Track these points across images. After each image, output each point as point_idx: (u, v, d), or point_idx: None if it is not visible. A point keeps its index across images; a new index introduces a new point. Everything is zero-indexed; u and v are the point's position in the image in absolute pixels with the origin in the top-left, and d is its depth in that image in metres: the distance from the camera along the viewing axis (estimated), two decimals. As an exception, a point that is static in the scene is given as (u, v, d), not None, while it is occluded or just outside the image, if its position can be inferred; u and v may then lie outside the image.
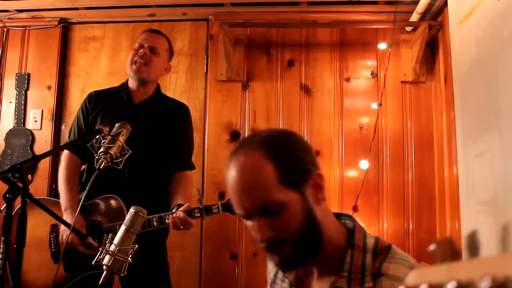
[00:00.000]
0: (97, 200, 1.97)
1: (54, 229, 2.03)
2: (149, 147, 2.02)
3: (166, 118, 2.10)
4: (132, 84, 2.12)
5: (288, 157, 0.92)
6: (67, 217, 1.93)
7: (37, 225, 1.98)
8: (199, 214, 1.87)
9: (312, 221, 0.92)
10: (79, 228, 1.89)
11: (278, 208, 0.89)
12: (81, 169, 2.12)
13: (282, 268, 0.98)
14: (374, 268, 0.91)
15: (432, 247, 0.43)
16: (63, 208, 1.96)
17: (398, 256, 0.92)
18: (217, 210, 1.88)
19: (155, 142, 2.05)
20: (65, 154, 2.07)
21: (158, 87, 2.19)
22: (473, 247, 0.40)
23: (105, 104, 2.10)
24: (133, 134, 2.00)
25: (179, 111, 2.17)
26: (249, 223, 0.94)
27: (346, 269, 0.92)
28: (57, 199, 2.04)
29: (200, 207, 1.87)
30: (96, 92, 2.18)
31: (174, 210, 1.89)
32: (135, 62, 2.05)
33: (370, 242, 0.95)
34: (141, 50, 2.06)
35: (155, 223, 1.89)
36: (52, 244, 2.01)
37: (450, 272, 0.38)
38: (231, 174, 0.92)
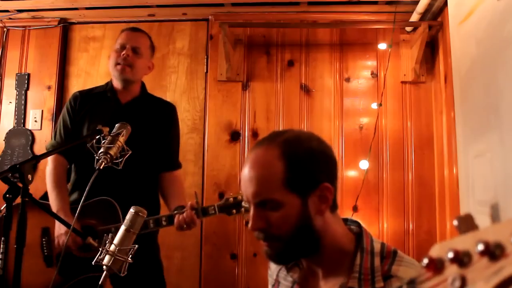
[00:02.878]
0: (90, 203, 1.92)
1: (46, 232, 1.98)
2: (138, 148, 1.99)
3: (154, 118, 2.09)
4: (116, 84, 2.10)
5: (302, 163, 0.95)
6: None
7: (27, 228, 1.95)
8: (196, 215, 1.89)
9: (307, 228, 0.95)
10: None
11: (273, 206, 0.94)
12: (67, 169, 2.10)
13: (269, 259, 1.03)
14: (384, 270, 0.95)
15: (455, 222, 0.45)
16: (54, 210, 1.91)
17: (405, 260, 0.96)
18: (213, 212, 1.91)
19: (144, 142, 2.02)
20: (51, 156, 2.04)
21: (143, 86, 2.17)
22: (496, 218, 0.41)
23: (91, 105, 2.08)
24: None
25: (167, 110, 2.16)
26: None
27: (356, 270, 0.95)
28: (47, 202, 1.98)
29: (197, 208, 1.89)
30: (80, 92, 2.16)
31: (176, 212, 1.89)
32: (118, 64, 2.03)
33: (377, 246, 0.99)
34: (124, 53, 2.03)
35: (151, 225, 1.88)
36: (45, 247, 1.97)
37: (476, 237, 0.39)
38: (246, 163, 0.99)
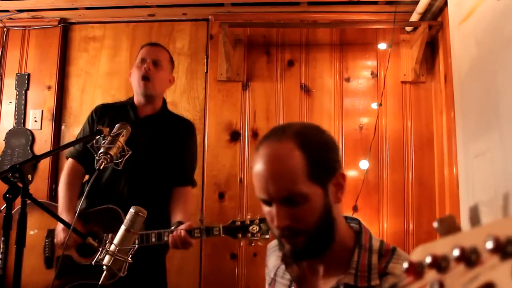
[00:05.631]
0: (97, 210, 1.95)
1: (50, 234, 2.00)
2: (150, 161, 2.01)
3: (169, 133, 2.10)
4: (138, 100, 2.13)
5: (318, 152, 0.94)
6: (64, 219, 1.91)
7: (35, 228, 1.97)
8: (199, 235, 1.83)
9: (329, 217, 0.95)
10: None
11: (300, 199, 0.91)
12: (84, 180, 2.12)
13: (291, 258, 0.99)
14: (381, 268, 0.94)
15: (435, 224, 0.44)
16: (59, 211, 1.94)
17: (403, 257, 0.96)
18: (217, 233, 1.84)
19: (156, 156, 2.04)
20: (69, 162, 2.08)
21: (164, 103, 2.20)
22: (475, 220, 0.41)
23: (111, 117, 2.10)
24: (136, 147, 1.97)
25: (183, 126, 2.17)
26: (266, 208, 0.95)
27: (353, 267, 0.95)
28: (55, 203, 2.02)
29: (201, 227, 1.82)
30: (103, 104, 2.21)
31: (173, 228, 1.85)
32: (143, 78, 2.05)
33: (376, 244, 0.99)
34: (145, 66, 2.05)
35: (153, 239, 1.84)
36: (46, 248, 1.99)
37: (454, 241, 0.39)
38: (260, 159, 0.93)
